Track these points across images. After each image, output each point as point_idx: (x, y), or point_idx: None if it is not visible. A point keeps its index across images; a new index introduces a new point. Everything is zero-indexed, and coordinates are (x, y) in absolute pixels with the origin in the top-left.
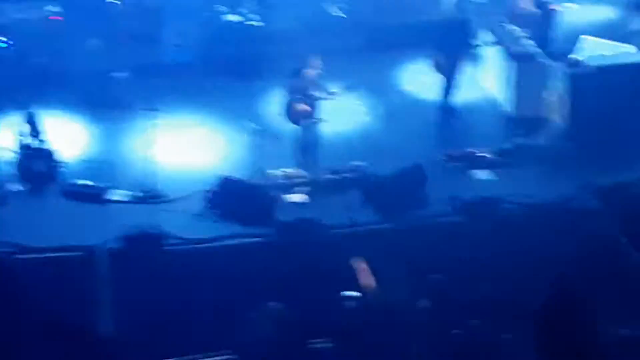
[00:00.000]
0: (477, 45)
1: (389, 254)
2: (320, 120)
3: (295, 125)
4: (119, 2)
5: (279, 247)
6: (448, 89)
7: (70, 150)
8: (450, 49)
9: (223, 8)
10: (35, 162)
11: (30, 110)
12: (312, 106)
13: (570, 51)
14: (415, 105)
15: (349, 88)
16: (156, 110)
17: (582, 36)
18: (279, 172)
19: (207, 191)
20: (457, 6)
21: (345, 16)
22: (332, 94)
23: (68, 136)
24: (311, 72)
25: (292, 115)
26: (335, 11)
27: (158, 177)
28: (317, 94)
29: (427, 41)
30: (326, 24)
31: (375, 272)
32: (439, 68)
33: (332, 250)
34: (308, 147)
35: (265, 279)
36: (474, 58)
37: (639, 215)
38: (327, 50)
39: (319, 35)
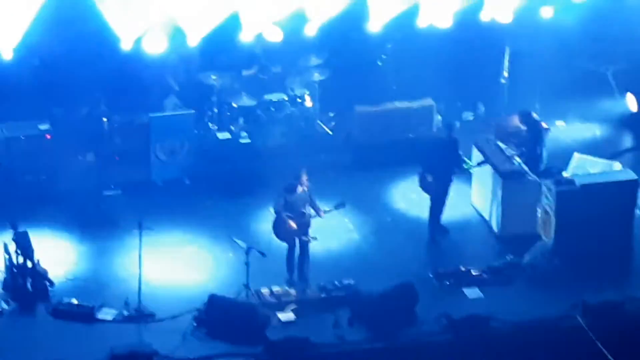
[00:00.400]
0: (465, 164)
1: None
2: (309, 237)
3: (284, 243)
4: (107, 120)
5: None
6: (436, 207)
7: (59, 268)
8: (438, 167)
9: (212, 125)
10: (23, 281)
11: (18, 228)
12: (302, 224)
13: (559, 169)
14: (405, 222)
15: (338, 205)
16: (146, 228)
17: (574, 154)
18: (267, 290)
19: (196, 310)
20: (444, 123)
21: (332, 133)
22: (321, 211)
23: (56, 254)
24: (300, 190)
25: (282, 232)
26: (323, 128)
27: (147, 296)
28: (306, 211)
29: (416, 159)
30: (314, 141)
31: None
32: (426, 187)
33: None
34: (297, 264)
35: None
36: (462, 176)
37: (625, 334)
38: (316, 167)
39: (307, 152)
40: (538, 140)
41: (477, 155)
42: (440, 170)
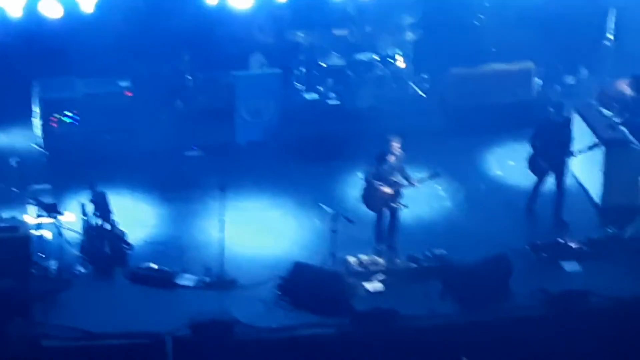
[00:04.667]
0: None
1: (469, 348)
2: (400, 206)
3: (373, 211)
4: (191, 78)
5: (354, 338)
6: (539, 190)
7: (138, 231)
8: (550, 150)
9: (299, 85)
10: (101, 243)
11: (97, 189)
12: (393, 191)
13: None
14: (500, 191)
15: (433, 175)
16: (228, 191)
17: None
18: (355, 259)
19: (279, 278)
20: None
21: (425, 95)
22: (413, 179)
23: (135, 217)
24: (392, 158)
25: (371, 200)
26: (417, 91)
27: (229, 262)
28: (398, 179)
29: (513, 125)
30: (407, 104)
31: None
32: (536, 169)
33: (409, 343)
34: (387, 233)
35: None
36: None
37: None
38: (407, 132)
39: (398, 115)
40: None
41: (578, 122)
42: (553, 153)
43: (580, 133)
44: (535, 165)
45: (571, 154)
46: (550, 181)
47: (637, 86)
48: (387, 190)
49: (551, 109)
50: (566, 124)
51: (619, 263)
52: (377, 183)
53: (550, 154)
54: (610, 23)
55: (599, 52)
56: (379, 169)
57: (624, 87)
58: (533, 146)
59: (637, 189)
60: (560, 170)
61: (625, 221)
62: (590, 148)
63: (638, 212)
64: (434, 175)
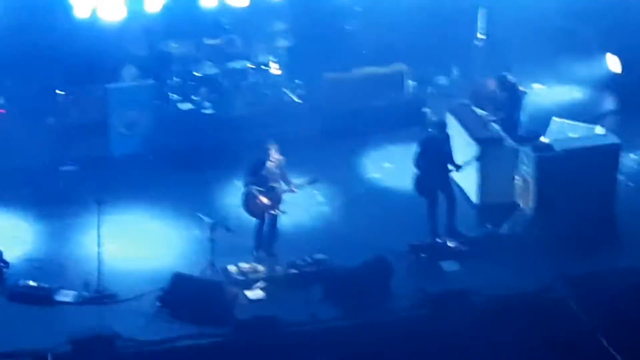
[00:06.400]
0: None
1: (352, 351)
2: (280, 212)
3: (253, 218)
4: (63, 92)
5: (236, 346)
6: (433, 209)
7: (15, 249)
8: (432, 168)
9: (173, 96)
10: None
11: None
12: (273, 199)
13: (538, 134)
14: (378, 193)
15: (312, 181)
16: (104, 204)
17: (553, 118)
18: (235, 267)
19: (160, 290)
20: (418, 90)
21: (301, 102)
22: (293, 186)
23: (11, 234)
24: (270, 163)
25: (252, 207)
26: (292, 97)
27: (107, 276)
28: (277, 185)
29: (388, 127)
30: (282, 110)
31: None
32: (422, 189)
33: (292, 349)
34: (266, 240)
35: None
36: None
37: (611, 305)
38: (284, 138)
39: (275, 122)
40: (515, 104)
41: (451, 122)
42: (436, 171)
43: (454, 133)
44: (423, 185)
45: (457, 167)
46: (440, 198)
47: (503, 85)
48: (266, 197)
49: (431, 129)
50: (446, 141)
51: (497, 261)
52: (256, 189)
53: (435, 172)
54: (481, 22)
55: (470, 52)
56: (257, 176)
57: (494, 85)
58: (417, 167)
59: (512, 186)
60: (448, 186)
61: (502, 218)
62: (477, 159)
63: (514, 209)
64: (312, 181)
